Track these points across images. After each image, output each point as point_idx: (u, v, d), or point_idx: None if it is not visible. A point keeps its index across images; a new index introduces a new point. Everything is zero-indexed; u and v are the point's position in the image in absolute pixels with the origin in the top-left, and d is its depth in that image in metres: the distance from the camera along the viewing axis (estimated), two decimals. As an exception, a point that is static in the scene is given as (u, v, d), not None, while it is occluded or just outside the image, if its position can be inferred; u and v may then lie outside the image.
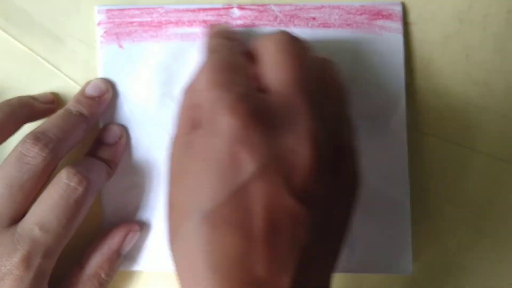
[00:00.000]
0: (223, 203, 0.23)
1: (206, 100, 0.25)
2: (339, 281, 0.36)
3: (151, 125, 0.34)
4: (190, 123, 0.26)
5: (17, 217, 0.29)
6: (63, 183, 0.29)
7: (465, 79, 0.35)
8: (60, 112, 0.31)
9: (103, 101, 0.33)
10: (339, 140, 0.26)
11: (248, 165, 0.23)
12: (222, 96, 0.24)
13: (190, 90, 0.27)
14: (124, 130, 0.34)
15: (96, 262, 0.32)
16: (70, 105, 0.32)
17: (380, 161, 0.34)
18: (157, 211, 0.34)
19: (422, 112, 0.35)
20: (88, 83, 0.33)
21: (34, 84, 0.35)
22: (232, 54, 0.27)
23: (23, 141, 0.29)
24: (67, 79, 0.35)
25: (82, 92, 0.33)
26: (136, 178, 0.34)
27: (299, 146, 0.23)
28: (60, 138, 0.30)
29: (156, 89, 0.34)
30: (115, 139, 0.33)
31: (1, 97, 0.34)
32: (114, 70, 0.34)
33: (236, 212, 0.23)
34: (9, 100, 0.32)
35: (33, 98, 0.33)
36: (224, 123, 0.23)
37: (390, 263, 0.34)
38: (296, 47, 0.27)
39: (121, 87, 0.34)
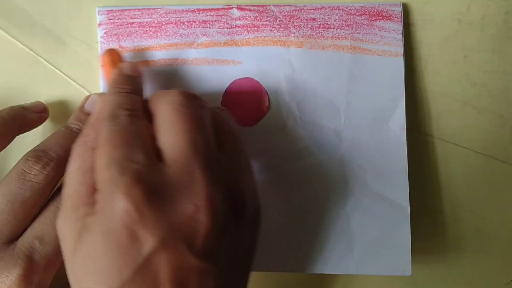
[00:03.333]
0: (130, 279, 0.23)
1: (102, 180, 0.25)
2: (339, 282, 0.37)
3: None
4: (84, 201, 0.26)
5: (18, 233, 0.29)
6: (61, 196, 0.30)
7: (463, 80, 0.35)
8: (60, 130, 0.31)
9: None
10: (237, 187, 0.28)
11: (148, 241, 0.24)
12: (117, 179, 0.24)
13: (87, 167, 0.27)
14: None
15: None
16: (70, 123, 0.32)
17: (379, 162, 0.34)
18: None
19: (421, 113, 0.35)
20: (86, 99, 0.33)
21: (35, 84, 0.35)
22: (131, 119, 0.27)
23: (24, 159, 0.29)
24: (68, 79, 0.35)
25: (81, 108, 0.33)
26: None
27: (197, 214, 0.24)
28: (61, 156, 0.30)
29: (156, 89, 0.34)
30: None
31: (2, 98, 0.35)
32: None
33: (144, 284, 0.24)
34: None
35: (24, 108, 0.33)
36: (119, 207, 0.24)
37: (389, 264, 0.34)
38: (189, 108, 0.27)
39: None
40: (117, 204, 0.24)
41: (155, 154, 0.26)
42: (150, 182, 0.24)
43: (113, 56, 0.32)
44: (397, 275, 0.34)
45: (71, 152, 0.28)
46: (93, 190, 0.26)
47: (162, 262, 0.24)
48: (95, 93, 0.34)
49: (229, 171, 0.28)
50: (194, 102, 0.28)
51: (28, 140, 0.34)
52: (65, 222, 0.26)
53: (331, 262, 0.34)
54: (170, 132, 0.26)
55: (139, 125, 0.27)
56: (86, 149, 0.27)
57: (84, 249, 0.25)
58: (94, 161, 0.26)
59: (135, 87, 0.30)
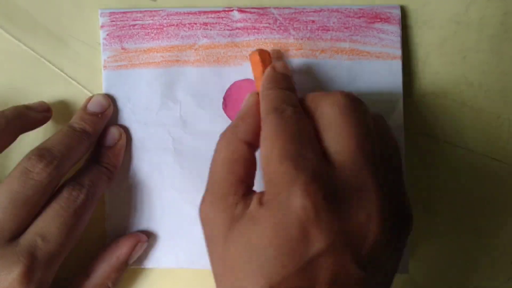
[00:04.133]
0: (292, 275, 0.24)
1: (276, 173, 0.25)
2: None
3: (153, 127, 0.35)
4: (233, 190, 0.26)
5: (20, 231, 0.29)
6: (63, 194, 0.30)
7: (462, 80, 0.35)
8: (64, 129, 0.32)
9: (104, 116, 0.33)
10: (401, 199, 0.28)
11: (318, 242, 0.24)
12: (295, 175, 0.24)
13: (236, 157, 0.27)
14: (122, 131, 0.34)
15: (103, 272, 0.32)
16: (74, 122, 0.32)
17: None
18: (159, 212, 0.35)
19: (420, 113, 0.35)
20: (89, 99, 0.34)
21: (37, 85, 0.35)
22: (297, 115, 0.27)
23: (27, 157, 0.30)
24: (70, 80, 0.35)
25: (84, 108, 0.33)
26: (138, 179, 0.35)
27: (367, 222, 0.24)
28: (64, 155, 0.30)
29: (157, 90, 0.35)
30: (114, 141, 0.34)
31: (5, 98, 0.35)
32: (116, 72, 0.35)
33: (303, 282, 0.24)
34: (3, 112, 0.31)
35: (28, 107, 0.33)
36: (297, 203, 0.24)
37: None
38: (358, 112, 0.27)
39: (123, 88, 0.35)
40: (295, 200, 0.24)
41: (322, 153, 0.26)
42: (326, 182, 0.24)
43: (263, 55, 0.32)
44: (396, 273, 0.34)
45: (219, 141, 0.28)
46: (241, 180, 0.26)
47: (325, 265, 0.24)
48: (98, 94, 0.34)
49: (391, 180, 0.27)
50: (360, 107, 0.28)
51: (30, 140, 0.34)
52: (213, 208, 0.26)
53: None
54: (337, 135, 0.26)
55: (305, 122, 0.27)
56: (236, 139, 0.28)
57: (242, 238, 0.25)
58: (262, 152, 0.26)
59: (291, 86, 0.30)
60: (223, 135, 0.28)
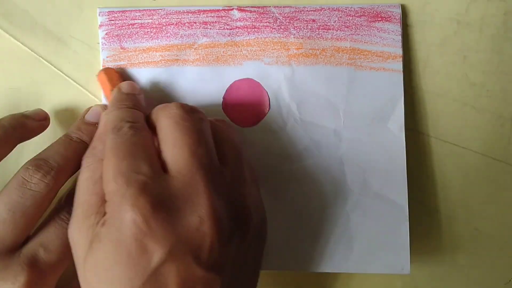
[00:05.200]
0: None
1: (110, 191, 0.26)
2: (339, 280, 0.37)
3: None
4: (95, 210, 0.27)
5: (20, 242, 0.29)
6: (62, 205, 0.30)
7: (462, 80, 0.35)
8: (61, 139, 0.32)
9: None
10: (241, 199, 0.28)
11: (157, 252, 0.24)
12: (125, 190, 0.25)
13: (96, 177, 0.28)
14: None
15: None
16: (71, 132, 0.32)
17: (378, 162, 0.34)
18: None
19: (420, 113, 0.35)
20: (88, 109, 0.33)
21: (36, 85, 0.35)
22: (134, 131, 0.28)
23: (25, 167, 0.29)
24: (69, 80, 0.35)
25: (82, 118, 0.33)
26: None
27: (202, 226, 0.25)
28: (61, 165, 0.30)
29: (157, 90, 0.34)
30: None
31: (3, 98, 0.35)
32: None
33: None
34: (0, 121, 0.31)
35: (25, 116, 0.32)
36: (128, 218, 0.25)
37: (388, 263, 0.34)
38: (189, 121, 0.28)
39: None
40: (126, 215, 0.25)
41: (160, 166, 0.27)
42: (156, 194, 0.25)
43: (109, 74, 0.33)
44: (396, 274, 0.34)
45: (82, 163, 0.29)
46: (103, 200, 0.27)
47: (170, 273, 0.24)
48: (96, 104, 0.34)
49: (232, 183, 0.28)
50: (193, 115, 0.29)
51: (28, 145, 0.34)
52: (76, 230, 0.27)
53: (331, 261, 0.34)
54: (172, 145, 0.27)
55: (142, 136, 0.28)
56: (95, 160, 0.28)
57: (95, 258, 0.25)
58: (102, 172, 0.27)
59: (135, 103, 0.31)
60: (84, 157, 0.29)
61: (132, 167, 0.26)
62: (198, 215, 0.25)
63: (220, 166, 0.28)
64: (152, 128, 0.29)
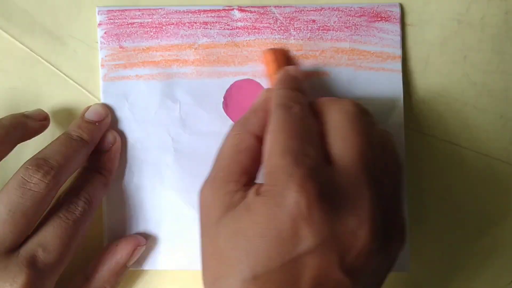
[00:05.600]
0: (276, 269, 0.24)
1: (276, 166, 0.25)
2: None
3: (152, 126, 0.34)
4: (235, 178, 0.27)
5: (20, 242, 0.29)
6: (62, 205, 0.30)
7: (463, 80, 0.35)
8: (61, 138, 0.31)
9: (102, 125, 0.33)
10: (394, 212, 0.28)
11: (307, 240, 0.24)
12: (294, 170, 0.24)
13: (242, 147, 0.28)
14: (117, 134, 0.34)
15: (103, 276, 0.32)
16: (71, 130, 0.32)
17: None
18: (158, 212, 0.34)
19: (420, 113, 0.35)
20: (87, 108, 0.33)
21: (35, 84, 0.35)
22: (304, 113, 0.28)
23: (24, 167, 0.29)
24: (68, 79, 0.35)
25: (82, 117, 0.33)
26: (137, 179, 0.34)
27: (358, 229, 0.25)
28: (61, 164, 0.30)
29: (156, 90, 0.34)
30: (108, 145, 0.33)
31: (2, 98, 0.35)
32: (114, 71, 0.34)
33: (286, 278, 0.24)
34: (0, 121, 0.31)
35: (25, 116, 0.32)
36: (292, 198, 0.24)
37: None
38: (365, 122, 0.28)
39: (121, 88, 0.34)
40: (290, 194, 0.24)
41: (324, 155, 0.26)
42: (322, 181, 0.25)
43: (276, 55, 0.33)
44: (396, 272, 0.34)
45: (229, 131, 0.29)
46: (245, 170, 0.27)
47: (310, 265, 0.24)
48: (96, 103, 0.34)
49: (388, 194, 0.27)
50: (367, 118, 0.28)
51: (28, 145, 0.34)
52: (211, 192, 0.27)
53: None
54: (342, 140, 0.27)
55: (311, 121, 0.28)
56: (244, 131, 0.28)
57: (236, 224, 0.25)
58: (265, 144, 0.27)
59: (301, 88, 0.30)
60: (234, 126, 0.29)
61: (301, 148, 0.25)
62: (358, 218, 0.25)
63: (381, 174, 0.27)
64: (313, 115, 0.28)
